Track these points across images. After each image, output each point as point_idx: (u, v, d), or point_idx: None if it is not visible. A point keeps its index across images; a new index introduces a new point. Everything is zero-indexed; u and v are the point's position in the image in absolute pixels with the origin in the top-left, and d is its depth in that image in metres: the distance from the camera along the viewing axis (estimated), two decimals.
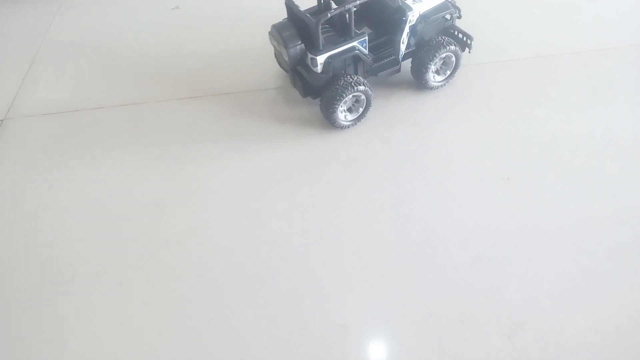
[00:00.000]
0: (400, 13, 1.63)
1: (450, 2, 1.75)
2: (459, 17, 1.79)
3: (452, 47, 1.71)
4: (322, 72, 1.59)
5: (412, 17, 1.65)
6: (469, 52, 1.78)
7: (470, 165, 1.59)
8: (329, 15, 1.48)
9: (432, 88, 1.80)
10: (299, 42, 1.56)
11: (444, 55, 1.71)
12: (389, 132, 1.72)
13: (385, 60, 1.71)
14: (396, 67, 1.75)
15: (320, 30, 1.52)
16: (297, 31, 1.57)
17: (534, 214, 1.45)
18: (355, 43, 1.58)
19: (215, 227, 1.51)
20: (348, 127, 1.72)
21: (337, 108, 1.63)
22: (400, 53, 1.70)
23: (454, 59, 1.75)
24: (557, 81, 1.84)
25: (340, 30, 1.60)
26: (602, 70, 1.86)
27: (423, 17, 1.67)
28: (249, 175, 1.64)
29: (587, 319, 1.24)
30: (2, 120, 1.93)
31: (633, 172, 1.53)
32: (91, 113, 1.92)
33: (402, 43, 1.67)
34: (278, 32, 1.59)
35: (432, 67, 1.73)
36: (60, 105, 1.96)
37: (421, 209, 1.49)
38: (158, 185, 1.64)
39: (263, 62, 1.98)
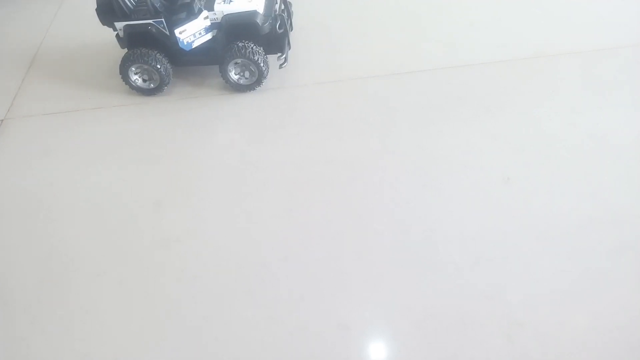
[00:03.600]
0: (190, 8, 1.74)
1: (268, 14, 1.79)
2: (280, 29, 1.83)
3: (247, 55, 1.77)
4: (123, 37, 1.80)
5: (213, 16, 1.77)
6: (281, 67, 1.87)
7: (470, 165, 1.59)
8: None
9: (237, 88, 1.89)
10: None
11: (239, 60, 1.80)
12: (385, 134, 1.72)
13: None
14: (201, 59, 1.87)
15: (122, 1, 1.71)
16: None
17: (534, 214, 1.45)
18: (150, 21, 1.74)
19: (215, 226, 1.51)
20: (149, 93, 1.93)
21: (126, 71, 1.85)
22: (184, 43, 1.79)
23: (252, 67, 1.82)
24: (557, 81, 1.84)
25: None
26: (602, 70, 1.86)
27: (226, 19, 1.76)
28: (246, 174, 1.64)
29: (587, 319, 1.24)
30: (2, 120, 1.94)
31: (633, 172, 1.53)
32: (91, 113, 1.92)
33: (195, 36, 1.79)
34: None
35: (231, 68, 1.83)
36: (60, 105, 1.96)
37: (421, 209, 1.49)
38: (157, 184, 1.64)
39: None
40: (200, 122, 1.84)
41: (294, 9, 2.03)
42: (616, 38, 1.98)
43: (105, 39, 2.03)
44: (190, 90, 1.96)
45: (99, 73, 2.08)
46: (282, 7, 1.93)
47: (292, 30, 2.00)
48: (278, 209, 1.54)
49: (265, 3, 1.83)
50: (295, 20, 2.04)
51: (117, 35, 1.83)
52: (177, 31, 1.75)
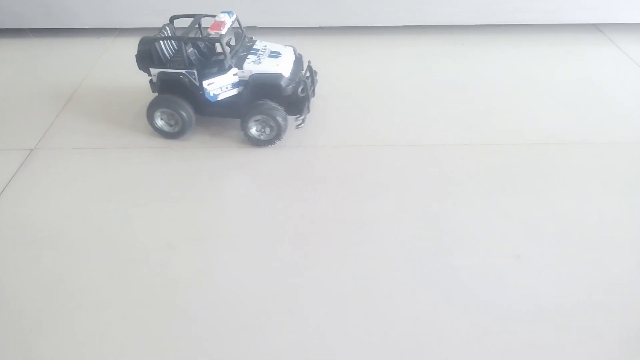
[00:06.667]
0: (221, 64, 1.88)
1: (293, 78, 1.92)
2: (302, 93, 1.93)
3: (268, 112, 1.87)
4: (156, 82, 1.93)
5: (242, 73, 1.88)
6: (297, 127, 1.97)
7: (481, 239, 1.60)
8: (156, 39, 1.87)
9: (256, 142, 1.97)
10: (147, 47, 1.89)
11: (259, 117, 1.89)
12: (398, 200, 1.75)
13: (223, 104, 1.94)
14: (224, 112, 1.97)
15: (159, 49, 1.88)
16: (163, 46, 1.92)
17: (543, 294, 1.44)
18: (183, 71, 1.86)
19: (222, 272, 1.52)
20: (170, 137, 2.02)
21: (152, 113, 1.96)
22: (210, 95, 1.89)
23: (272, 123, 1.91)
24: (570, 168, 1.89)
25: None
26: (614, 162, 1.90)
27: (253, 77, 1.87)
28: (257, 225, 1.67)
29: None
30: (31, 150, 2.01)
31: None
32: (117, 151, 2.00)
33: (222, 89, 1.89)
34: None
35: (252, 124, 1.93)
36: (89, 141, 2.05)
37: (428, 277, 1.49)
38: (171, 226, 1.67)
39: None
40: (218, 171, 1.90)
41: (319, 77, 2.14)
42: (629, 134, 2.05)
43: (139, 85, 2.14)
44: (209, 139, 2.04)
45: (129, 115, 2.18)
46: (308, 74, 2.05)
47: (314, 96, 2.10)
48: (285, 262, 1.54)
49: (292, 68, 1.96)
50: (319, 88, 2.15)
51: (151, 81, 1.96)
52: (205, 82, 1.86)
